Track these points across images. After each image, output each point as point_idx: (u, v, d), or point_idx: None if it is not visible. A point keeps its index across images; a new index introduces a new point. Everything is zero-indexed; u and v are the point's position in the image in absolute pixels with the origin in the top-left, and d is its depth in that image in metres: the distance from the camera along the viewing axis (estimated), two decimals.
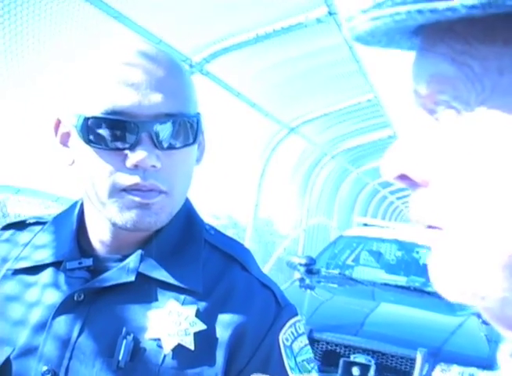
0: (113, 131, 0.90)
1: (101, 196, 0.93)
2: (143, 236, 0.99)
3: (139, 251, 0.98)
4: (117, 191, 0.92)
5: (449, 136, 0.45)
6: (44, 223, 1.09)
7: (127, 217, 0.93)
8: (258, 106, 5.81)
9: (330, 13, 4.16)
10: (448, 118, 0.45)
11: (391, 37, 0.48)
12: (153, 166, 0.91)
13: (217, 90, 4.95)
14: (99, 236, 1.01)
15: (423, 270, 6.92)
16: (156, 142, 0.91)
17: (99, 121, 0.90)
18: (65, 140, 0.99)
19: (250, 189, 6.75)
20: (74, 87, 0.95)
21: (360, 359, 4.50)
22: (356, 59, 5.26)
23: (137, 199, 0.92)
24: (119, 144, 0.91)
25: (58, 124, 1.00)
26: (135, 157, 0.90)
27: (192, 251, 1.01)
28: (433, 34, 0.46)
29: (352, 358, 4.50)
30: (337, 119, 7.38)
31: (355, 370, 4.49)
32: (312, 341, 4.59)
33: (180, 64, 0.98)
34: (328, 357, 4.55)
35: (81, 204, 1.05)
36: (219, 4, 3.97)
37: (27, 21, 2.90)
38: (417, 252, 7.28)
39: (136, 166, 0.91)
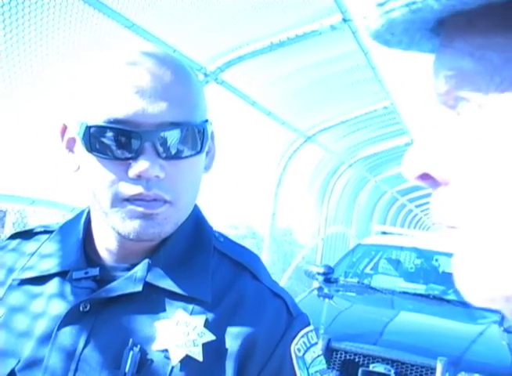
0: (115, 141, 0.88)
1: (103, 205, 0.92)
2: (151, 245, 0.97)
3: (146, 261, 0.96)
4: (119, 201, 0.90)
5: (470, 131, 0.44)
6: (51, 232, 1.08)
7: (129, 227, 0.91)
8: (274, 114, 5.81)
9: (345, 20, 4.15)
10: (469, 113, 0.44)
11: (412, 36, 0.48)
12: (157, 176, 0.89)
13: (232, 99, 4.95)
14: (106, 245, 0.99)
15: (442, 278, 6.87)
16: (159, 152, 0.89)
17: (101, 130, 0.88)
18: (71, 146, 0.97)
19: (269, 199, 6.73)
20: (78, 93, 0.93)
21: (379, 368, 4.45)
22: (372, 66, 5.24)
23: (140, 209, 0.90)
24: (122, 153, 0.89)
25: (64, 129, 0.98)
26: (137, 167, 0.88)
27: (200, 260, 0.99)
28: (452, 31, 0.45)
29: (371, 367, 4.45)
30: (353, 127, 7.36)
31: None
32: (331, 351, 4.55)
33: (188, 69, 0.96)
34: (347, 367, 4.50)
35: (88, 213, 1.04)
36: (233, 13, 3.97)
37: (41, 33, 2.91)
38: (436, 260, 7.22)
39: (139, 176, 0.89)
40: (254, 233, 7.78)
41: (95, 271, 0.97)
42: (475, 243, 0.43)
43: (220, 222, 6.18)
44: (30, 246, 1.07)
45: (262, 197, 6.78)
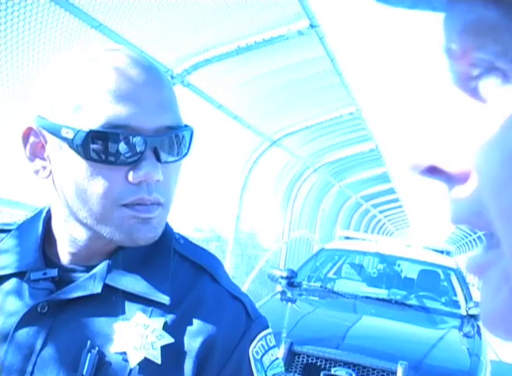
0: (116, 146, 0.87)
1: (97, 212, 0.90)
2: (111, 246, 0.97)
3: (106, 262, 0.96)
4: (117, 207, 0.89)
5: (493, 111, 0.32)
6: (9, 231, 1.06)
7: (127, 233, 0.91)
8: (240, 118, 5.81)
9: (312, 26, 4.17)
10: (490, 86, 0.33)
11: None
12: (157, 180, 0.90)
13: (198, 102, 4.94)
14: (67, 246, 0.98)
15: (404, 283, 6.94)
16: (159, 156, 0.90)
17: (101, 136, 0.87)
18: (38, 151, 0.95)
19: (233, 202, 6.73)
20: (63, 97, 0.90)
21: (341, 372, 4.47)
22: (338, 72, 5.27)
23: (139, 214, 0.90)
24: (123, 159, 0.88)
25: (28, 133, 0.95)
26: (142, 172, 0.88)
27: (160, 262, 0.98)
28: None
29: (333, 371, 4.48)
30: (319, 132, 7.39)
31: None
32: (293, 354, 4.56)
33: (166, 75, 0.97)
34: (309, 370, 4.52)
35: (48, 211, 1.02)
36: (201, 16, 3.97)
37: (5, 30, 2.87)
38: (399, 265, 7.30)
39: (140, 181, 0.89)
40: (218, 236, 7.74)
41: (53, 272, 0.96)
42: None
43: (184, 224, 6.15)
44: None
45: (227, 200, 6.77)
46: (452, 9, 0.34)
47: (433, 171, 0.36)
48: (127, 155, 0.88)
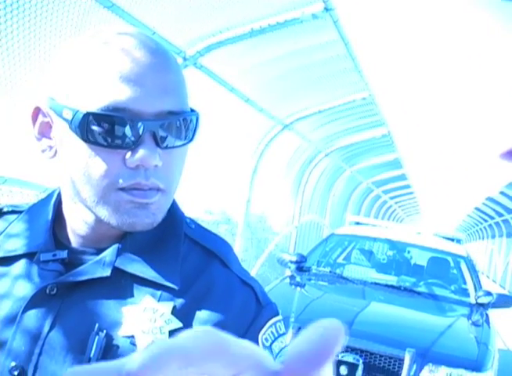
0: (114, 129, 0.86)
1: (95, 194, 0.89)
2: (119, 230, 0.96)
3: (116, 245, 0.95)
4: (114, 190, 0.88)
5: None
6: (20, 212, 1.05)
7: (124, 217, 0.89)
8: (252, 101, 5.79)
9: (327, 9, 4.14)
10: None
11: None
12: (155, 165, 0.88)
13: (210, 84, 4.92)
14: (76, 228, 0.97)
15: (413, 270, 6.94)
16: (158, 141, 0.88)
17: (99, 118, 0.86)
18: (46, 130, 0.94)
19: (244, 185, 6.73)
20: (68, 78, 0.89)
21: (348, 358, 4.48)
22: (352, 57, 5.24)
23: (136, 199, 0.89)
24: (120, 143, 0.87)
25: (37, 112, 0.95)
26: (138, 156, 0.86)
27: (171, 246, 0.98)
28: None
29: (340, 357, 4.48)
30: (331, 116, 7.37)
31: (343, 369, 4.47)
32: None
33: (175, 58, 0.95)
34: None
35: (59, 194, 1.02)
36: None
37: (18, 8, 2.86)
38: (408, 252, 7.28)
39: (137, 165, 0.87)
40: (228, 218, 7.75)
41: (63, 254, 0.95)
42: None
43: (195, 206, 6.16)
44: None
45: (238, 183, 6.77)
46: None
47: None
48: (124, 138, 0.87)
